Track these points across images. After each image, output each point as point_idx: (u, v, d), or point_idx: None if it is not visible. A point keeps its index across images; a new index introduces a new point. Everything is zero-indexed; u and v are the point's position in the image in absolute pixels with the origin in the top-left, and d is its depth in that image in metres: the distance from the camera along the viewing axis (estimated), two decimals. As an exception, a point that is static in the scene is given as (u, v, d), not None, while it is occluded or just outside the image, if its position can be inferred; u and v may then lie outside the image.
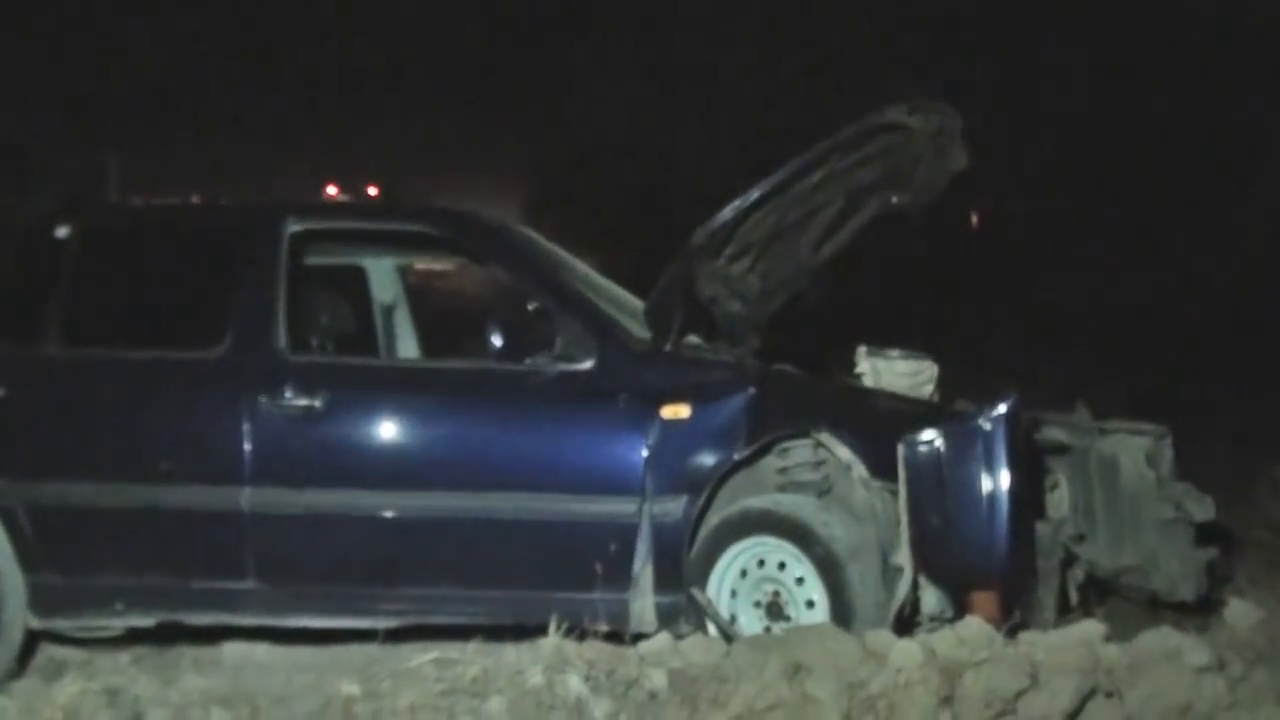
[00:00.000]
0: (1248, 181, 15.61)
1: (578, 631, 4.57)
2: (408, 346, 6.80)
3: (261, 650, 5.84)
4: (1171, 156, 16.35)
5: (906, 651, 4.17)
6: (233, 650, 5.88)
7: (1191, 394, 11.74)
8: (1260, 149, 15.41)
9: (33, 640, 5.67)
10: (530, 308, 5.50)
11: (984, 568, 4.74)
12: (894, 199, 5.68)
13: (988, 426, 4.77)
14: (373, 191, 29.15)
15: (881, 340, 5.74)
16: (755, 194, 5.27)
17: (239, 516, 5.33)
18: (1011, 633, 4.30)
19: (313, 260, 6.02)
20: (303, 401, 5.37)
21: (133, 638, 5.74)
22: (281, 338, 5.48)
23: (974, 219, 18.74)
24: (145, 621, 5.52)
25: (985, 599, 4.70)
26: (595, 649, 4.39)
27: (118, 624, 5.57)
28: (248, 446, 5.35)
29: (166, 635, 5.72)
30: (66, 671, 5.66)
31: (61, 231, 5.85)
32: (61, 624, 5.59)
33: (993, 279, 16.92)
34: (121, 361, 5.63)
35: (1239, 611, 4.67)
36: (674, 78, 21.05)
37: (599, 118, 23.02)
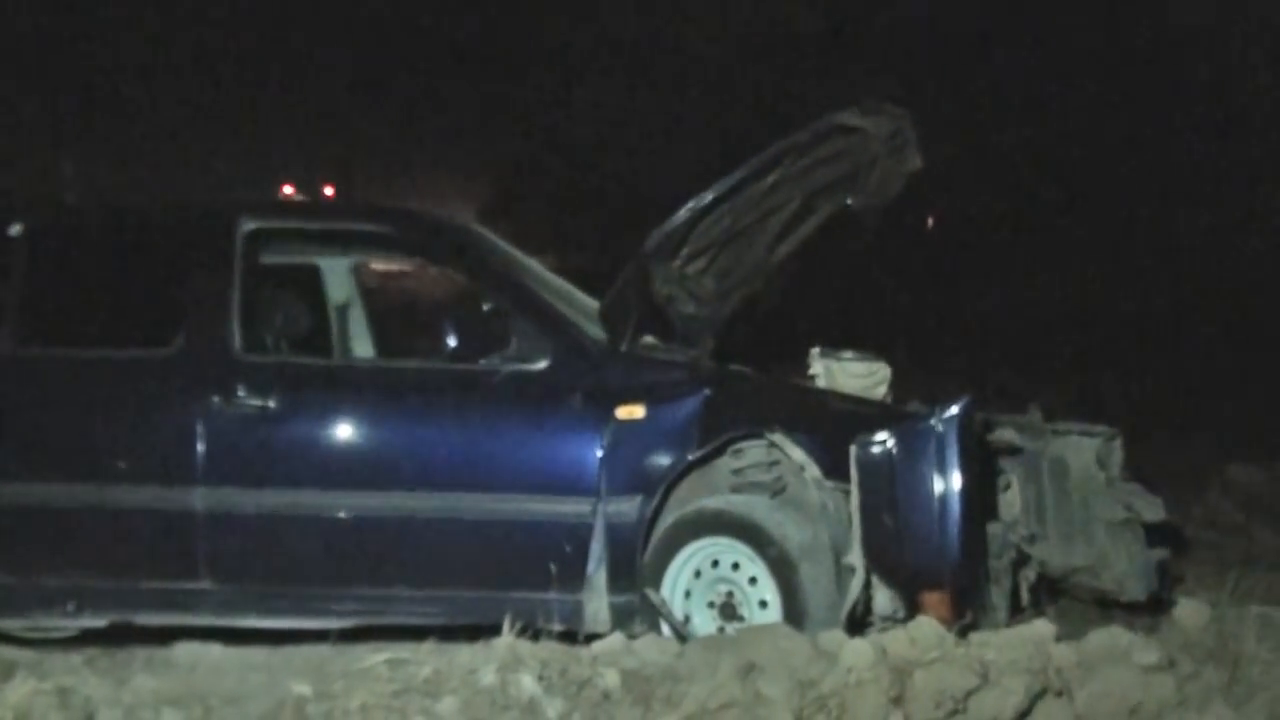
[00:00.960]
0: (1201, 184, 15.75)
1: (532, 631, 4.57)
2: (362, 346, 6.78)
3: (214, 650, 5.81)
4: (1126, 160, 16.47)
5: (858, 651, 4.19)
6: (185, 650, 5.84)
7: (1142, 395, 11.86)
8: (1211, 153, 15.55)
9: (-17, 640, 5.62)
10: (485, 308, 5.49)
11: (935, 568, 4.76)
12: (849, 201, 5.71)
13: (940, 428, 4.79)
14: (328, 191, 29.08)
15: (835, 341, 5.76)
16: (710, 196, 5.29)
17: (192, 516, 5.31)
18: (962, 632, 4.32)
19: (267, 259, 5.99)
20: (256, 401, 5.35)
21: (84, 638, 5.69)
22: (235, 337, 5.46)
23: (929, 221, 18.83)
24: (97, 622, 5.49)
25: (937, 599, 4.72)
26: (549, 649, 4.39)
27: (69, 624, 5.53)
28: (201, 446, 5.33)
29: (118, 636, 5.68)
30: (17, 672, 5.62)
31: (14, 230, 5.80)
32: (12, 624, 5.56)
33: (948, 280, 17.00)
34: (74, 360, 5.59)
35: (1188, 611, 4.71)
36: (634, 79, 21.06)
37: (556, 119, 23.01)
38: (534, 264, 6.18)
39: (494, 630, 4.57)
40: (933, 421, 4.82)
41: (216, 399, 5.35)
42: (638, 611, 5.11)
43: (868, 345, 5.81)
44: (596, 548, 5.13)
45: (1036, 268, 16.52)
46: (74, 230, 6.08)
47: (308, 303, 6.51)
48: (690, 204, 5.30)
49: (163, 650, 5.84)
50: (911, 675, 4.06)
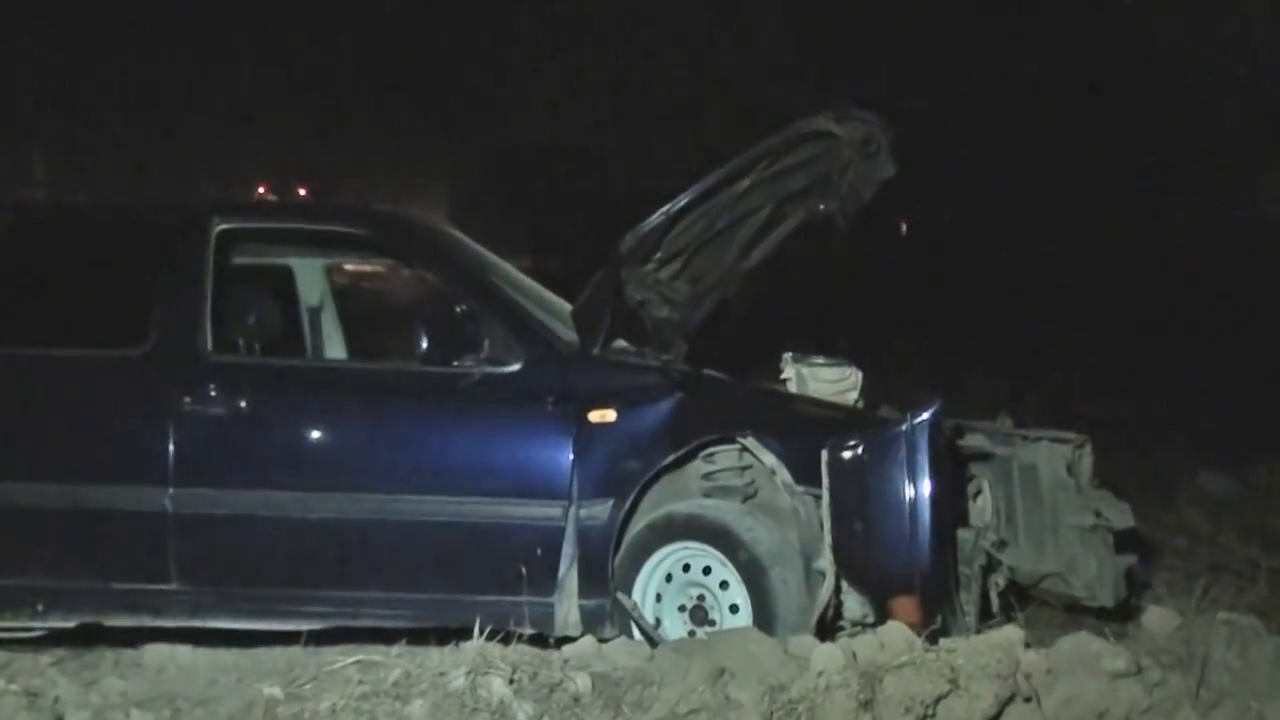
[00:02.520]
0: (1174, 191, 15.84)
1: (502, 635, 4.57)
2: (334, 347, 6.77)
3: (183, 652, 5.78)
4: (1100, 167, 16.55)
5: (828, 655, 4.21)
6: (154, 652, 5.81)
7: (1113, 401, 11.91)
8: (1184, 160, 15.64)
9: (-50, 642, 5.59)
10: (457, 310, 5.48)
11: (905, 573, 4.76)
12: (821, 206, 5.73)
13: (910, 433, 4.79)
14: (301, 192, 28.99)
15: (807, 346, 5.78)
16: (684, 200, 5.30)
17: (162, 518, 5.28)
18: (932, 638, 4.34)
19: (239, 260, 5.97)
20: (227, 402, 5.32)
21: (53, 639, 5.65)
22: (206, 338, 5.43)
23: (903, 226, 18.89)
24: (66, 623, 5.45)
25: (906, 604, 4.73)
26: (519, 652, 4.40)
27: (38, 625, 5.49)
28: (171, 447, 5.30)
29: (87, 637, 5.65)
30: (-15, 673, 5.60)
31: None
32: None
33: (920, 286, 17.05)
34: (45, 359, 5.56)
35: (1157, 617, 4.74)
36: (606, 81, 21.07)
37: (529, 120, 23.01)
38: (507, 266, 6.18)
39: (465, 633, 4.57)
40: (903, 427, 4.81)
41: (187, 399, 5.33)
42: (609, 615, 5.10)
43: (839, 350, 5.82)
44: (568, 551, 5.12)
45: (1008, 274, 16.57)
46: (45, 229, 6.05)
47: (280, 304, 6.50)
48: (664, 208, 5.30)
49: (132, 652, 5.81)
50: (881, 680, 4.08)
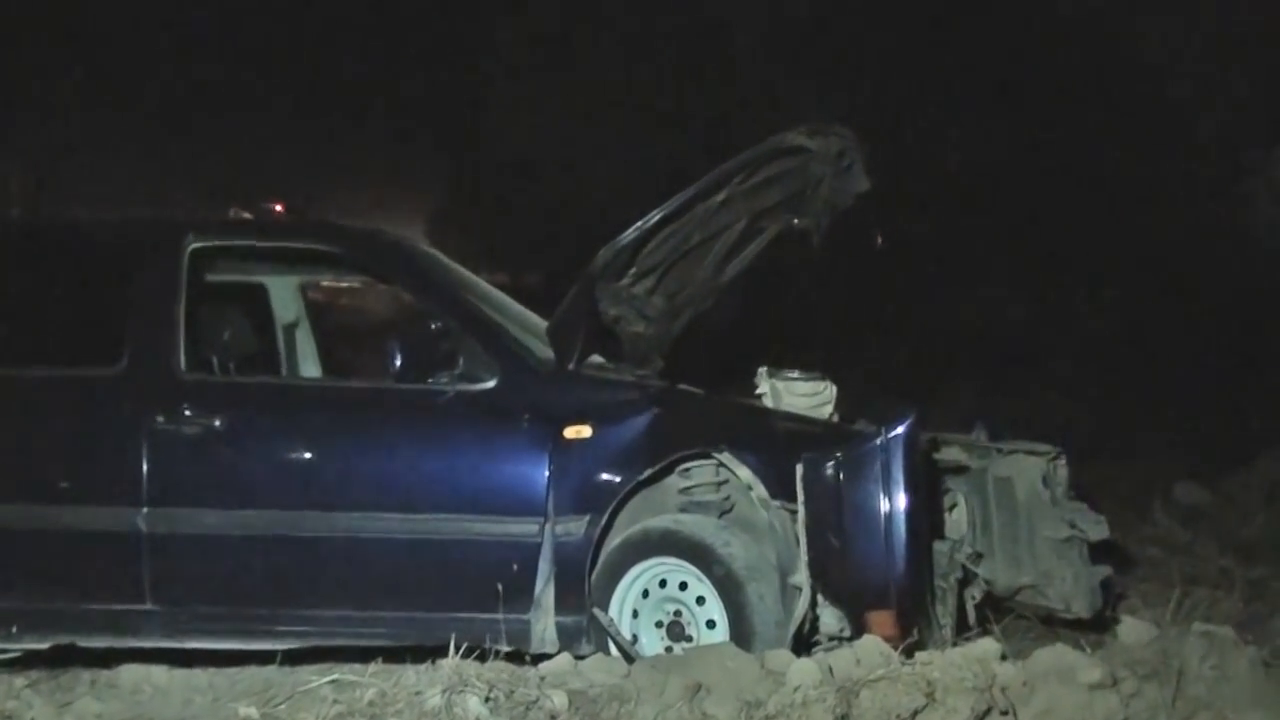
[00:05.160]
0: (1150, 201, 15.89)
1: (479, 652, 4.56)
2: (309, 365, 6.75)
3: (159, 673, 5.75)
4: (1075, 178, 16.60)
5: (804, 670, 4.20)
6: (129, 673, 5.79)
7: (1088, 413, 11.94)
8: (1159, 170, 15.70)
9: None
10: (433, 327, 5.48)
11: (881, 587, 4.76)
12: (795, 221, 5.74)
13: (885, 447, 4.80)
14: (278, 208, 28.92)
15: (782, 361, 5.78)
16: (657, 215, 5.29)
17: (136, 538, 5.26)
18: (908, 651, 4.33)
19: (213, 278, 5.96)
20: (201, 421, 5.31)
21: (27, 661, 5.63)
22: (180, 356, 5.42)
23: (878, 239, 18.90)
24: (40, 645, 5.43)
25: (883, 618, 4.73)
26: (495, 669, 4.38)
27: (12, 647, 5.46)
28: (145, 467, 5.28)
29: (62, 658, 5.62)
30: (-42, 696, 5.57)
31: None
32: None
33: (895, 299, 17.08)
34: (18, 379, 5.53)
35: (1132, 629, 4.74)
36: (583, 97, 21.08)
37: (507, 135, 22.99)
38: (482, 283, 6.18)
39: (441, 651, 4.56)
40: (878, 441, 4.82)
41: (161, 419, 5.31)
42: (585, 632, 5.09)
43: (815, 364, 5.82)
44: (544, 568, 5.12)
45: (981, 287, 16.61)
46: (18, 246, 6.03)
47: (254, 321, 6.48)
48: (638, 223, 5.30)
49: (107, 673, 5.78)
50: (857, 694, 4.07)
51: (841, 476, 4.80)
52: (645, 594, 5.13)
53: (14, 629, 5.36)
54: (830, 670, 4.22)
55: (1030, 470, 5.61)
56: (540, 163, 22.26)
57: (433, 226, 27.69)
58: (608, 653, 4.98)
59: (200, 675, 5.67)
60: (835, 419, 5.51)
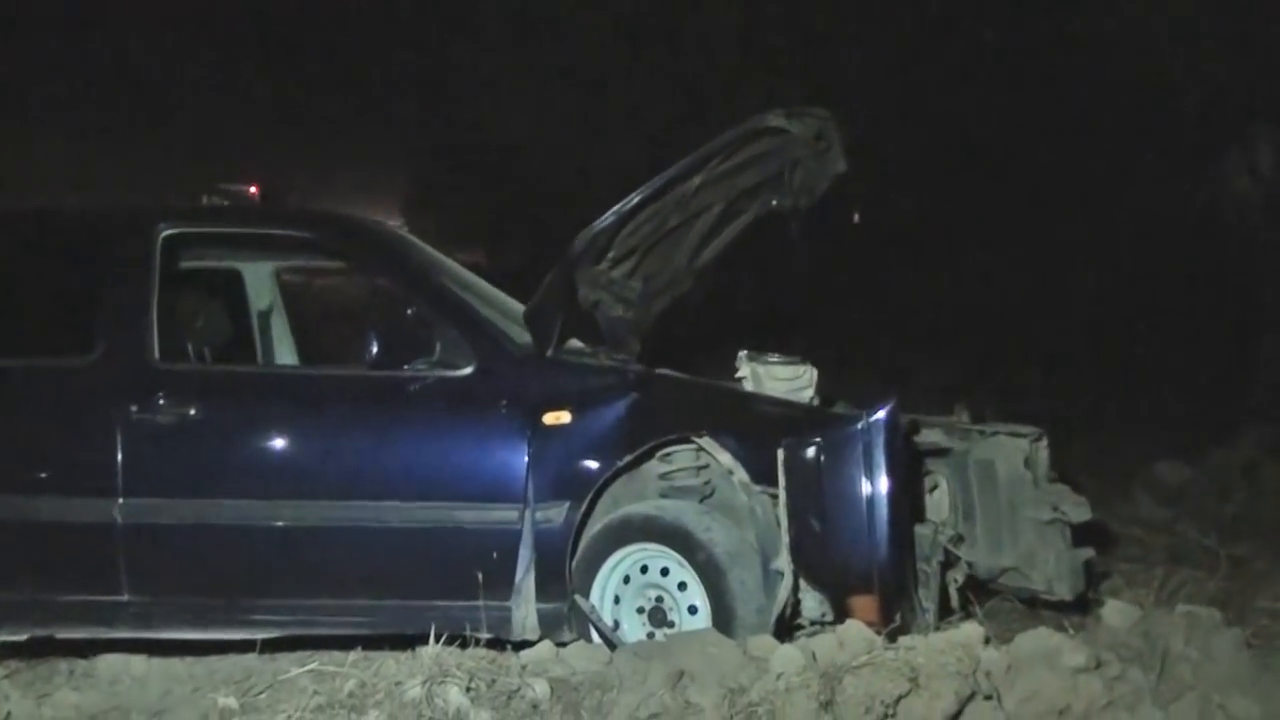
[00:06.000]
0: (1126, 181, 15.88)
1: (459, 640, 4.53)
2: (285, 352, 6.70)
3: (137, 663, 5.71)
4: (1054, 153, 16.58)
5: (787, 657, 4.18)
6: (108, 663, 5.74)
7: (1068, 393, 11.95)
8: (1139, 145, 15.68)
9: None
10: (408, 313, 5.44)
11: (864, 571, 4.74)
12: (774, 202, 5.71)
13: (867, 430, 4.78)
14: (252, 191, 28.75)
15: (762, 344, 5.75)
16: (635, 199, 5.26)
17: (112, 528, 5.21)
18: (891, 636, 4.31)
19: (186, 265, 5.90)
20: (176, 410, 5.26)
21: (4, 652, 5.58)
22: (154, 345, 5.37)
23: (855, 218, 18.87)
24: (16, 636, 5.38)
25: (865, 603, 4.71)
26: (476, 658, 4.36)
27: (-13, 639, 5.42)
28: (120, 457, 5.23)
29: (39, 649, 5.58)
30: (-65, 688, 5.52)
31: None
32: None
33: (873, 280, 17.06)
34: None
35: (1116, 611, 4.73)
36: (560, 76, 20.99)
37: (479, 115, 22.87)
38: (458, 267, 6.13)
39: (421, 639, 4.53)
40: (859, 424, 4.80)
41: (135, 408, 5.26)
42: (567, 619, 5.07)
43: (795, 347, 5.79)
44: (524, 555, 5.09)
45: (961, 267, 16.60)
46: (-12, 235, 5.96)
47: (228, 309, 6.43)
48: (616, 207, 5.26)
49: (85, 663, 5.74)
50: (841, 680, 4.05)
51: (823, 460, 4.77)
52: (626, 580, 5.10)
53: None
54: (814, 656, 4.19)
55: (1012, 452, 5.59)
56: (517, 143, 22.16)
57: (409, 208, 27.56)
58: (590, 640, 4.96)
59: (179, 665, 5.62)
60: (816, 402, 5.48)
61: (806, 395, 5.46)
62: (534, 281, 5.47)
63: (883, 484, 4.73)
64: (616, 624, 5.08)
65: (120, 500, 5.22)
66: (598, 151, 19.39)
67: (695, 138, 5.40)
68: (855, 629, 4.34)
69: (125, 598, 5.27)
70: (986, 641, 4.26)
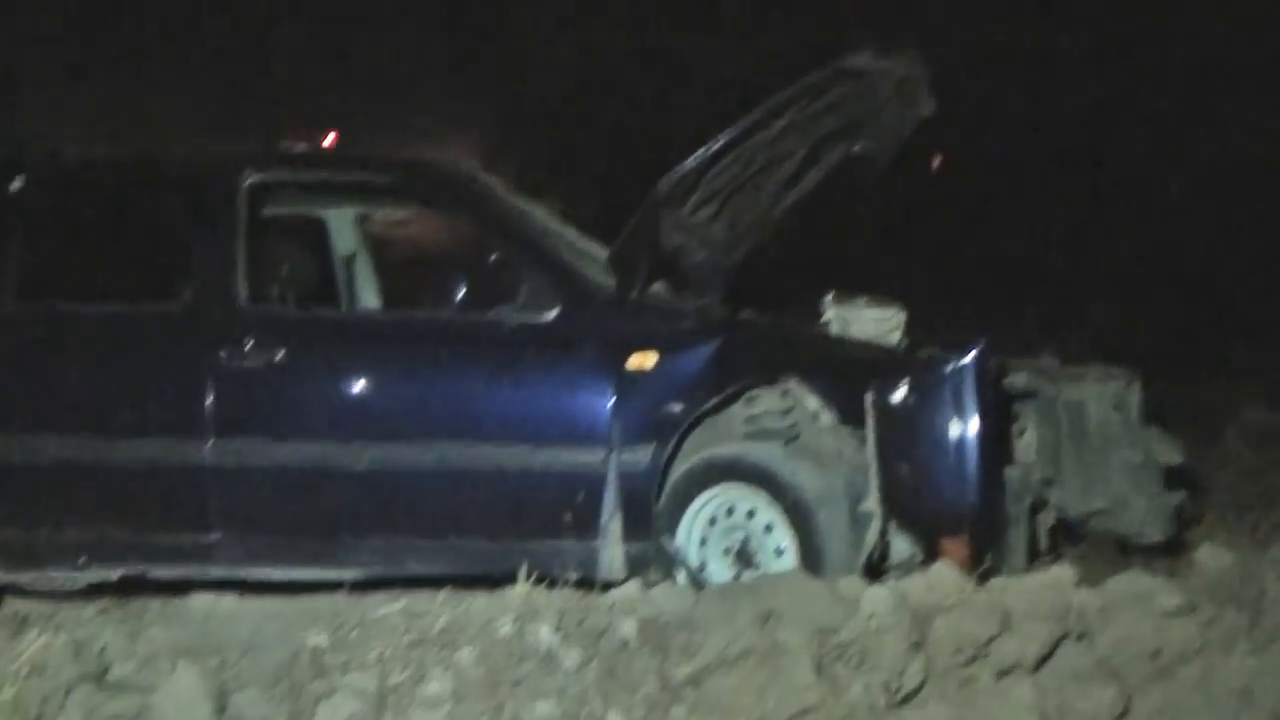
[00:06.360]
0: (1218, 125, 15.60)
1: (547, 581, 4.55)
2: (369, 298, 6.73)
3: (228, 601, 5.80)
4: (1145, 93, 16.31)
5: (878, 598, 4.15)
6: (199, 601, 5.84)
7: (1161, 338, 11.79)
8: (1235, 86, 15.39)
9: (-4, 594, 5.61)
10: (493, 258, 5.45)
11: (954, 513, 4.72)
12: (858, 146, 5.65)
13: (956, 373, 4.75)
14: (330, 138, 28.85)
15: (846, 287, 5.71)
16: (720, 141, 5.23)
17: (202, 470, 5.28)
18: (982, 579, 4.29)
19: (271, 212, 5.93)
20: (263, 354, 5.30)
21: (97, 590, 5.67)
22: (241, 291, 5.42)
23: (936, 161, 18.61)
24: (109, 575, 5.47)
25: (955, 545, 4.69)
26: (565, 598, 4.37)
27: (81, 578, 5.50)
28: (209, 399, 5.29)
29: (131, 587, 5.66)
30: (31, 625, 5.61)
31: (15, 184, 5.74)
32: (24, 578, 5.53)
33: (956, 221, 16.86)
34: (81, 315, 5.55)
35: (1208, 554, 4.67)
36: (640, 19, 20.85)
37: (558, 62, 22.79)
38: (542, 212, 6.12)
39: (509, 580, 4.55)
40: (949, 367, 4.77)
41: (223, 353, 5.31)
42: (653, 559, 5.08)
43: (881, 290, 5.75)
44: (610, 496, 5.10)
45: (1045, 209, 16.36)
46: (77, 184, 6.02)
47: (313, 255, 6.46)
48: (700, 151, 5.24)
49: (176, 601, 5.83)
50: (932, 622, 4.03)
51: (913, 403, 4.75)
52: (712, 521, 5.11)
53: (84, 560, 5.40)
54: (904, 597, 4.17)
55: (1103, 395, 5.53)
56: (594, 89, 22.08)
57: (484, 155, 27.56)
58: (675, 581, 4.96)
59: (269, 603, 5.70)
60: (904, 346, 5.44)
61: (895, 338, 5.42)
62: (608, 227, 5.46)
63: (973, 426, 4.71)
64: (703, 565, 5.08)
65: (210, 442, 5.27)
66: (673, 97, 19.29)
67: (773, 85, 5.36)
68: (945, 571, 4.31)
69: (216, 537, 5.34)
70: (1078, 584, 4.22)
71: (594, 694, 3.90)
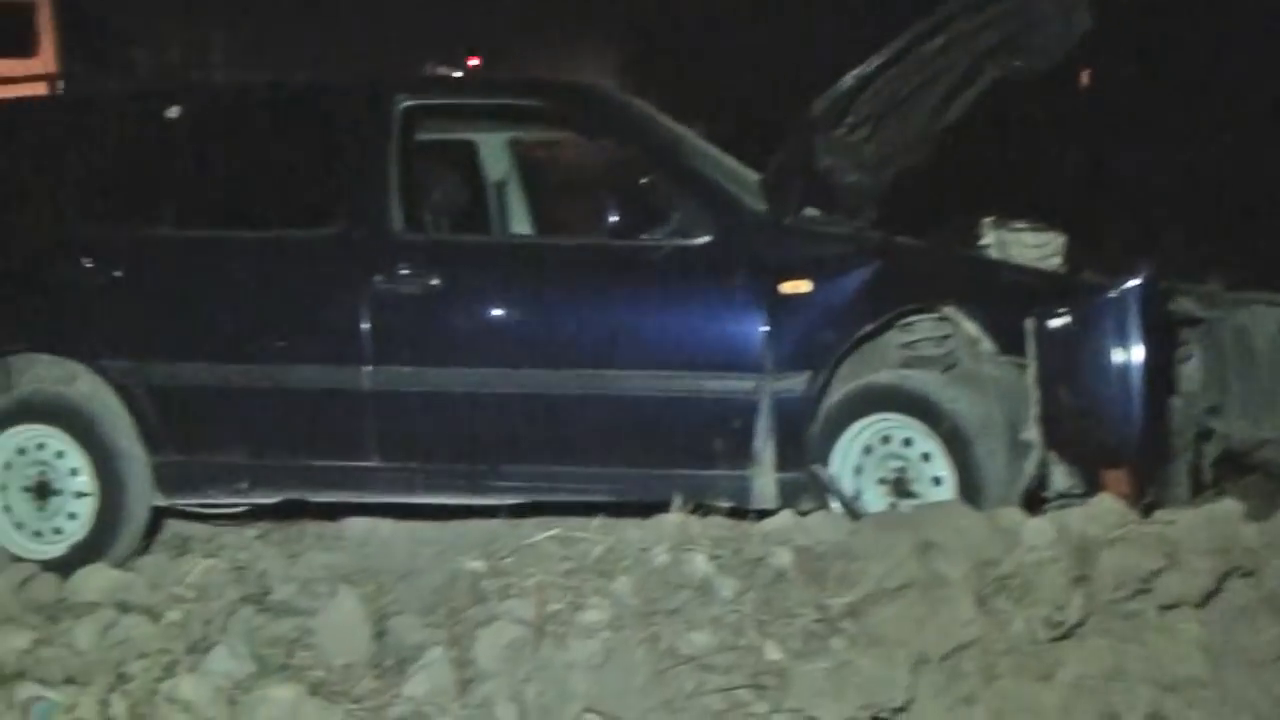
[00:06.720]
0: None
1: (699, 509, 4.54)
2: (519, 222, 6.73)
3: (384, 525, 5.90)
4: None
5: (1039, 530, 4.08)
6: (355, 526, 5.94)
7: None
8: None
9: (157, 517, 5.74)
10: (644, 182, 5.40)
11: (1117, 444, 4.62)
12: (1016, 63, 5.50)
13: (1120, 299, 4.63)
14: (473, 62, 28.90)
15: (999, 209, 5.59)
16: (876, 61, 5.14)
17: (360, 395, 5.33)
18: (1145, 511, 4.20)
19: (423, 137, 5.95)
20: (418, 280, 5.32)
21: (256, 513, 5.79)
22: (395, 216, 5.43)
23: (1084, 77, 18.09)
24: (269, 499, 5.57)
25: (1118, 476, 4.59)
26: (719, 526, 4.36)
27: (242, 501, 5.61)
28: (365, 325, 5.33)
29: (289, 510, 5.77)
30: (192, 547, 5.77)
31: (171, 112, 5.81)
32: (186, 501, 5.65)
33: (1109, 141, 16.44)
34: (237, 241, 5.62)
35: (1383, 486, 4.54)
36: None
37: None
38: (692, 135, 6.06)
39: (661, 507, 4.55)
40: (1113, 293, 4.65)
41: (379, 278, 5.34)
42: (806, 488, 5.04)
43: (1033, 212, 5.61)
44: (763, 424, 5.07)
45: (1201, 129, 15.87)
46: (231, 112, 6.08)
47: (465, 179, 6.47)
48: (856, 70, 5.14)
49: (334, 525, 5.94)
50: (1094, 555, 3.95)
51: (1075, 331, 4.64)
52: (868, 450, 5.06)
53: (245, 484, 5.50)
54: (1066, 529, 4.09)
55: (1270, 320, 5.36)
56: (729, 8, 21.85)
57: (623, 77, 27.41)
58: (829, 510, 4.93)
59: (424, 528, 5.78)
60: (1063, 271, 5.32)
61: (1054, 264, 5.29)
62: (747, 150, 5.37)
63: (1137, 354, 4.58)
64: (857, 494, 5.04)
65: (368, 368, 5.32)
66: (814, 14, 19.02)
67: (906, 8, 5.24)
68: (1107, 502, 4.23)
69: (374, 463, 5.39)
70: (1245, 518, 4.11)
71: (750, 624, 3.89)
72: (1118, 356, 4.60)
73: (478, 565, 4.45)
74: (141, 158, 5.84)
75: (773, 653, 3.79)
